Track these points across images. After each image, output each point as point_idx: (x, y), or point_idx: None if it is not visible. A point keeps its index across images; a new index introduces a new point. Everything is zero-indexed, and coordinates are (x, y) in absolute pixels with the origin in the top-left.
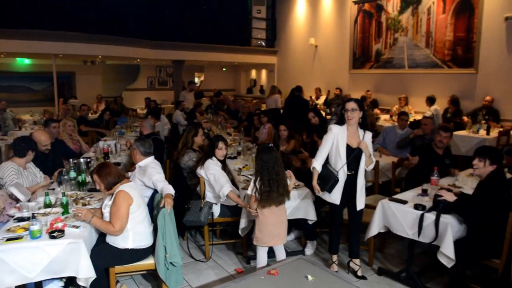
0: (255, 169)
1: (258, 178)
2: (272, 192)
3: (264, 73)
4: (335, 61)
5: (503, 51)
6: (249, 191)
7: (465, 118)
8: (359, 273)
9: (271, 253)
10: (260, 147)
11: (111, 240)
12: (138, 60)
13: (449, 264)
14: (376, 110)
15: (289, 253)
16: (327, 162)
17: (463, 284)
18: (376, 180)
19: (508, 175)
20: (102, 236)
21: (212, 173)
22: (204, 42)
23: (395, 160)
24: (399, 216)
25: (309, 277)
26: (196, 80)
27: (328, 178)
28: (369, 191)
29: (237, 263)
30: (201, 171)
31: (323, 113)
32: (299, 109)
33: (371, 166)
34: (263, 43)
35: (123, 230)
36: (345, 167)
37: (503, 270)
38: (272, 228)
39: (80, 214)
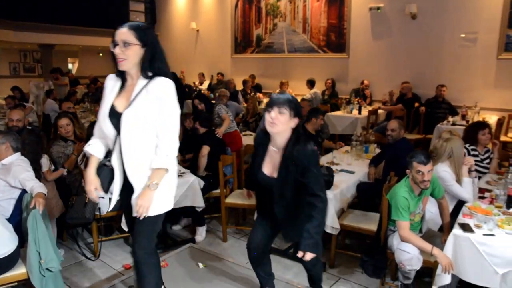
0: None
1: None
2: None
3: None
4: (217, 46)
5: (369, 38)
6: None
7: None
8: None
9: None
10: None
11: None
12: None
13: (335, 232)
14: (259, 95)
15: (179, 242)
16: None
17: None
18: None
19: (378, 151)
20: None
21: None
22: (77, 25)
23: None
24: None
25: (200, 265)
26: (70, 66)
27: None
28: None
29: (124, 259)
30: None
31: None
32: None
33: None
34: None
35: None
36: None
37: (376, 235)
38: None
39: None
